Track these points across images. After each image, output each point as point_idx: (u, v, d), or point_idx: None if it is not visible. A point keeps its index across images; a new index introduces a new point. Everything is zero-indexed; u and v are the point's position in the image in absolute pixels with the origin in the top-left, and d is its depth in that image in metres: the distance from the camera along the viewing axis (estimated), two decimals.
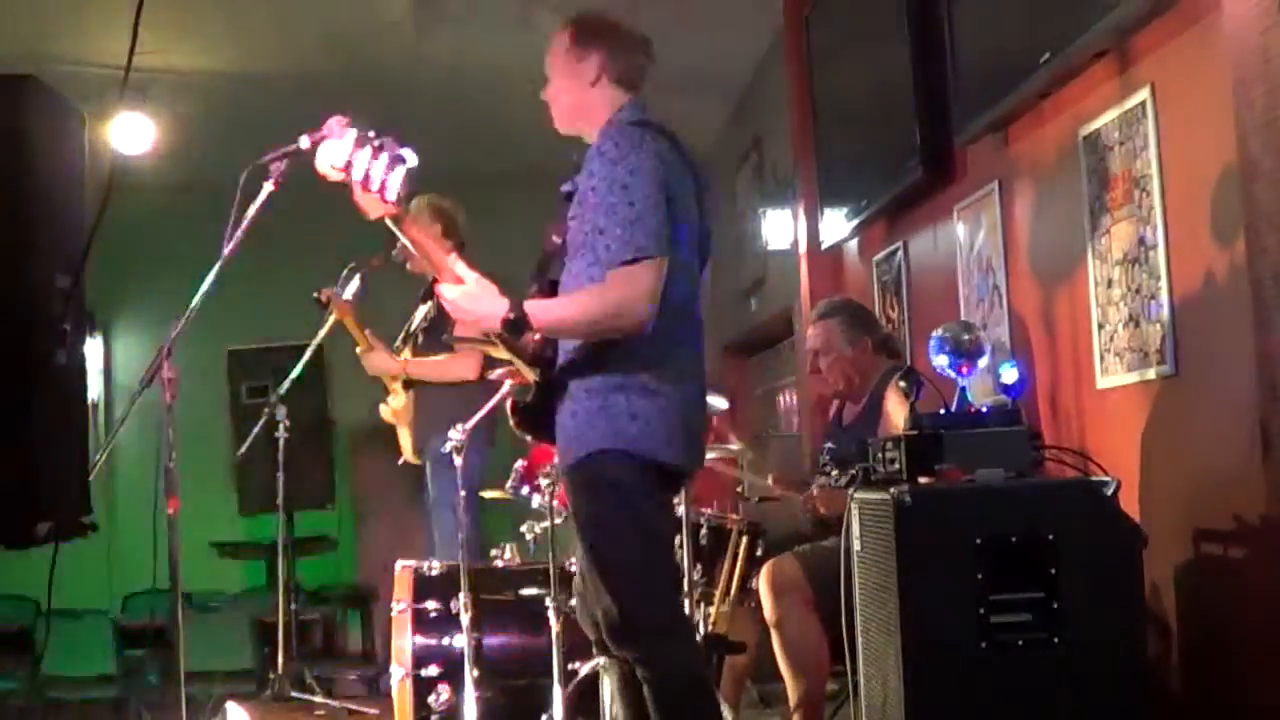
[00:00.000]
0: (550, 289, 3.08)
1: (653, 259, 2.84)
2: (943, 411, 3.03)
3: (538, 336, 2.99)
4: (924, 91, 4.58)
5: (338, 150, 2.91)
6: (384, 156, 2.90)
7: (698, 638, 3.05)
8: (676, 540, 3.23)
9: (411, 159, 2.94)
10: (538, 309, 2.94)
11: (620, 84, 3.11)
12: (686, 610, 3.11)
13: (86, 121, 2.43)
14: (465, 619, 4.06)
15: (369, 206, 2.95)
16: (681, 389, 2.98)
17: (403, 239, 3.05)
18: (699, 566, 4.14)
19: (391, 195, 2.92)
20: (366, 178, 2.90)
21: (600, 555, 2.94)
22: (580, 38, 3.13)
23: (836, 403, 4.39)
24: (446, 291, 2.99)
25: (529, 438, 3.21)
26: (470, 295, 2.96)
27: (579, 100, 3.12)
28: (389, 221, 2.98)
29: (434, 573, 4.36)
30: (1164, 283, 3.21)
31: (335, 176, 2.96)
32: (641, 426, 2.90)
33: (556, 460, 3.12)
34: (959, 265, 4.58)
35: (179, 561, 3.32)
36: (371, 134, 2.94)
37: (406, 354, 5.22)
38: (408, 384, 5.21)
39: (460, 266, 3.01)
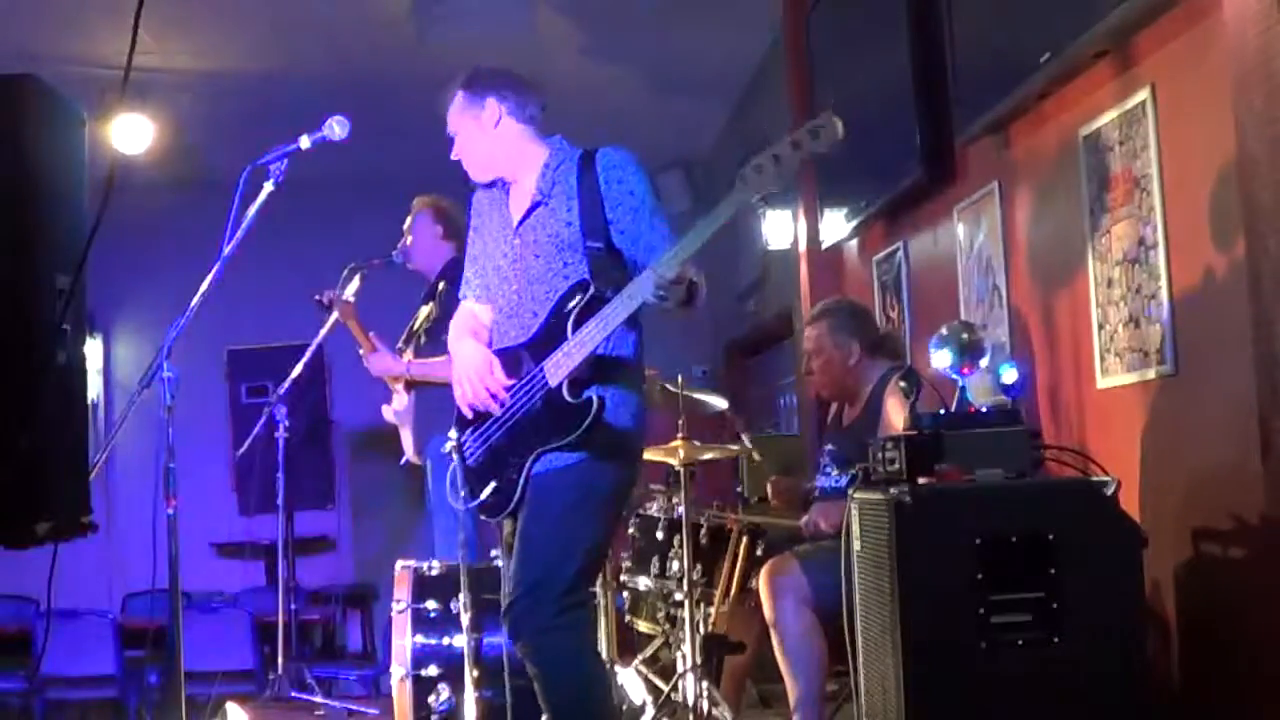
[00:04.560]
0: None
1: None
2: (943, 411, 3.03)
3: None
4: (924, 91, 4.58)
5: None
6: None
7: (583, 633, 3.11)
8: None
9: None
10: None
11: (528, 121, 3.28)
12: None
13: (86, 121, 2.42)
14: (465, 619, 4.06)
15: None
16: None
17: None
18: (699, 566, 4.14)
19: None
20: None
21: (559, 547, 3.05)
22: (472, 89, 3.28)
23: (836, 404, 4.39)
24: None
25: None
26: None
27: (489, 146, 3.27)
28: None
29: (434, 573, 4.36)
30: (1164, 283, 3.21)
31: None
32: (634, 429, 3.12)
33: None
34: (959, 265, 4.58)
35: (179, 561, 3.32)
36: None
37: (409, 355, 5.22)
38: (410, 385, 5.21)
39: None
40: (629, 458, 3.16)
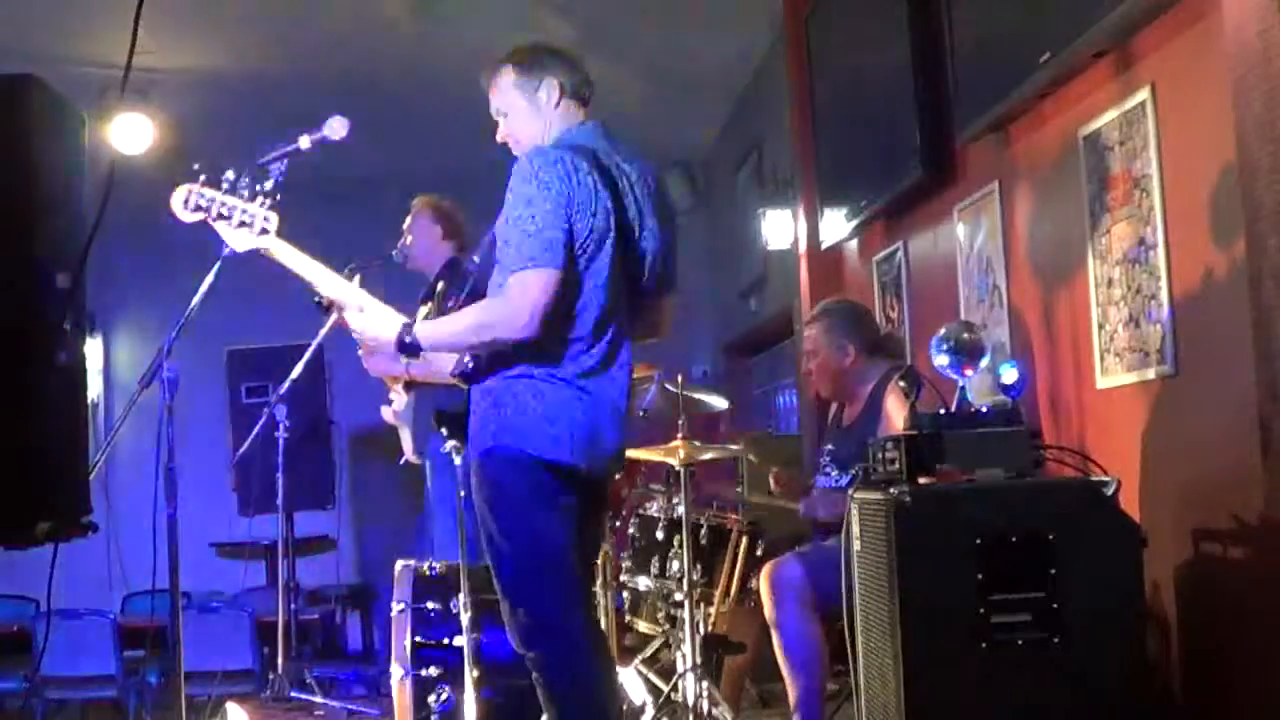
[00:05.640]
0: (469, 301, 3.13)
1: (542, 269, 2.85)
2: (943, 411, 3.03)
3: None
4: (924, 91, 4.59)
5: (190, 196, 3.01)
6: (243, 192, 2.96)
7: (589, 638, 3.00)
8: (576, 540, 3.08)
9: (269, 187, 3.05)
10: (426, 329, 3.00)
11: (575, 99, 3.15)
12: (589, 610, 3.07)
13: (86, 121, 2.42)
14: (465, 619, 4.06)
15: (234, 241, 3.03)
16: (584, 392, 2.97)
17: (285, 264, 3.06)
18: (699, 566, 4.15)
19: (257, 229, 2.97)
20: (226, 216, 2.98)
21: (494, 551, 3.01)
22: (528, 67, 3.14)
23: (836, 404, 4.39)
24: (352, 321, 3.05)
25: (455, 444, 3.28)
26: (369, 321, 3.03)
27: (543, 126, 3.13)
28: (264, 252, 3.03)
29: (434, 573, 4.37)
30: (1164, 283, 3.21)
31: (192, 218, 3.01)
32: (530, 422, 2.93)
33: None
34: (959, 265, 4.58)
35: (179, 561, 3.33)
36: (230, 174, 3.02)
37: None
38: (409, 385, 5.20)
39: (355, 290, 3.06)
40: (516, 446, 2.96)
